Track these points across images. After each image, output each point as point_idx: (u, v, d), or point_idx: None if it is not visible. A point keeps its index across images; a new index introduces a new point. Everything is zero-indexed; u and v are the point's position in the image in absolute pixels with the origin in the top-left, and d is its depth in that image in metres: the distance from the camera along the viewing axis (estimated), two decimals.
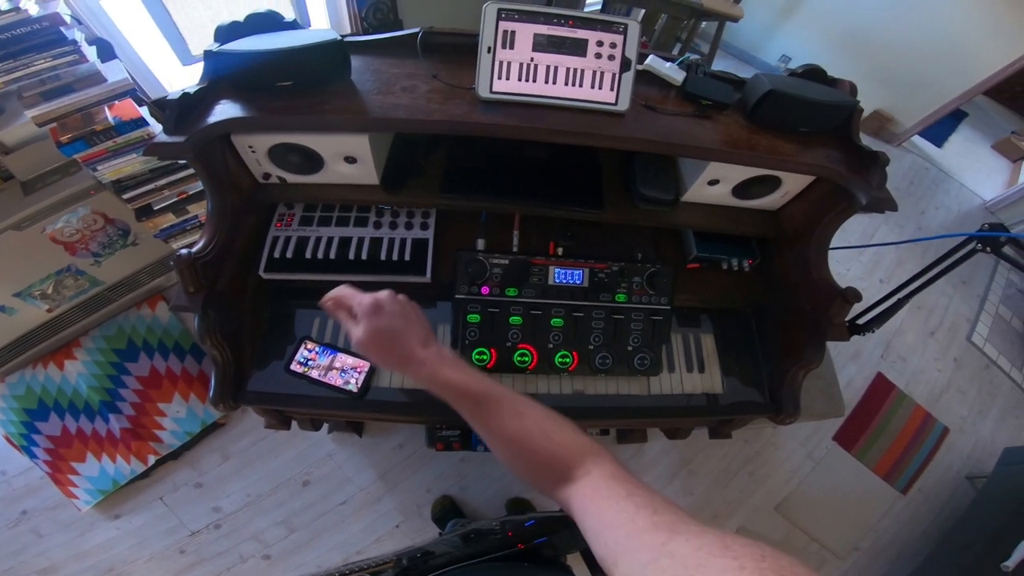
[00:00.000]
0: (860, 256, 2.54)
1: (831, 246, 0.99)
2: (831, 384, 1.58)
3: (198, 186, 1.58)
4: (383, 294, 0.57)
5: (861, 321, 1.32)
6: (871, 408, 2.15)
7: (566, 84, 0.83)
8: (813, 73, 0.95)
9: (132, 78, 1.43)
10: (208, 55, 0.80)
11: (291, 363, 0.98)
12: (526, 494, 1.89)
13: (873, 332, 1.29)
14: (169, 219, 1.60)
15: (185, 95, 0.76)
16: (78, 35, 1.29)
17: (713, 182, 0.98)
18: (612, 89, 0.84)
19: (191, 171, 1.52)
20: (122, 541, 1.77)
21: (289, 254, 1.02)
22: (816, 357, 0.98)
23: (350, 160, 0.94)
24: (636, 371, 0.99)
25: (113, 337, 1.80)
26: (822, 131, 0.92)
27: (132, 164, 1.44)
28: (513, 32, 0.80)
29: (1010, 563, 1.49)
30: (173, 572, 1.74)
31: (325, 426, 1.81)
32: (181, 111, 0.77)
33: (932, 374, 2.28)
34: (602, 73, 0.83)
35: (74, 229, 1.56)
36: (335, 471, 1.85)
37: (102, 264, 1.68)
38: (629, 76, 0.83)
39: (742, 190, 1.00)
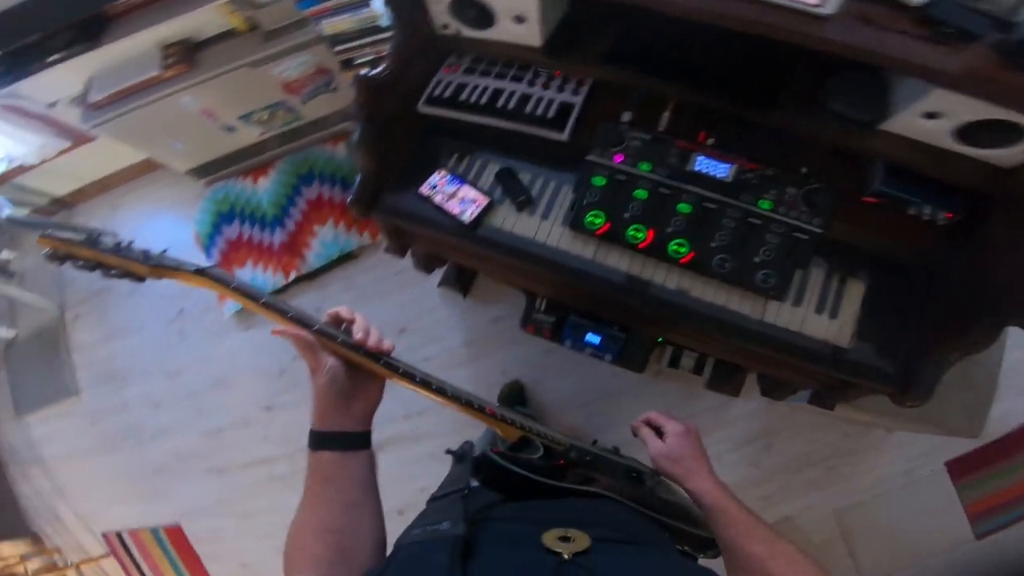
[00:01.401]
0: None
1: None
2: (983, 403, 1.26)
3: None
4: (690, 424, 0.67)
5: None
6: (1009, 448, 1.70)
7: None
8: None
9: None
10: None
11: (422, 186, 1.08)
12: (605, 405, 1.85)
13: None
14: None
15: None
16: None
17: (932, 115, 0.79)
18: None
19: (387, 35, 1.72)
20: (242, 353, 2.15)
21: (447, 95, 1.10)
22: (984, 340, 0.78)
23: (519, 19, 0.96)
24: (756, 287, 0.88)
25: (300, 163, 2.18)
26: None
27: (346, 22, 1.68)
28: None
29: None
30: (265, 393, 2.07)
31: (435, 279, 1.95)
32: None
33: None
34: None
35: (294, 74, 1.89)
36: (431, 326, 2.00)
37: (306, 104, 2.03)
38: None
39: (968, 133, 0.79)
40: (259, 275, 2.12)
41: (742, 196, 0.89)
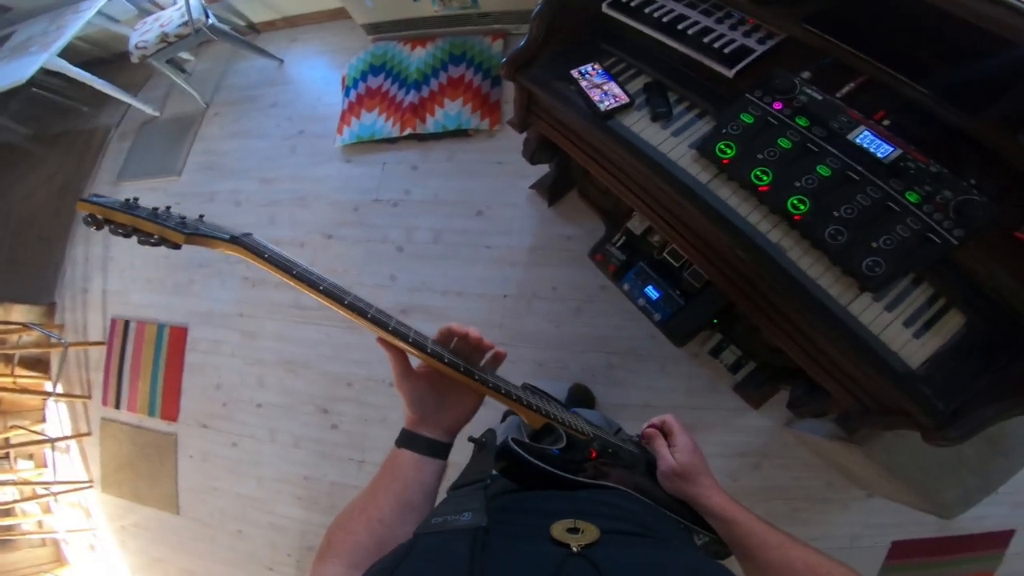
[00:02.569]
0: None
1: None
2: (981, 492, 1.18)
3: None
4: (694, 442, 0.65)
5: None
6: (958, 548, 1.61)
7: None
8: None
9: None
10: None
11: (573, 69, 1.11)
12: (625, 366, 1.83)
13: None
14: None
15: None
16: None
17: None
18: None
19: None
20: (331, 180, 2.28)
21: (635, 3, 1.13)
22: None
23: None
24: (857, 271, 0.83)
25: (457, 45, 2.33)
26: None
27: None
28: None
29: None
30: (334, 222, 2.20)
31: (530, 180, 1.99)
32: None
33: None
34: None
35: None
36: (506, 220, 2.03)
37: None
38: None
39: None
40: (379, 123, 2.27)
41: (892, 181, 0.84)
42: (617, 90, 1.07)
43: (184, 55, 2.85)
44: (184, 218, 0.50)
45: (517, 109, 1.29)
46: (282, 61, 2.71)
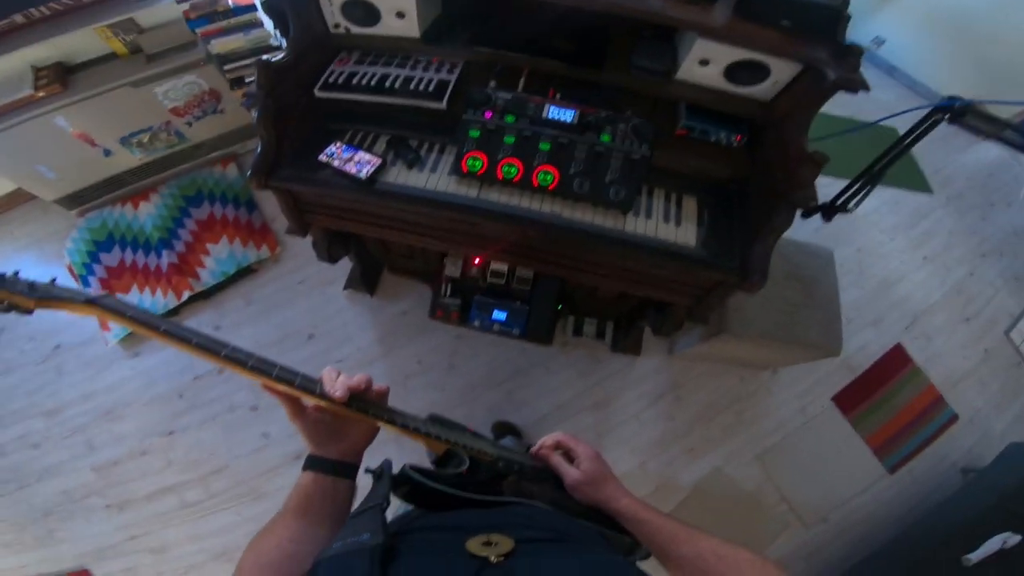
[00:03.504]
0: (908, 232, 2.46)
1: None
2: (832, 319, 1.55)
3: None
4: (594, 450, 0.69)
5: (839, 202, 1.35)
6: (880, 377, 2.01)
7: None
8: None
9: None
10: None
11: (319, 154, 1.17)
12: (518, 382, 1.92)
13: (849, 212, 1.32)
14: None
15: None
16: None
17: (704, 62, 1.10)
18: None
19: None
20: (131, 381, 1.98)
21: (341, 81, 1.24)
22: (785, 221, 1.03)
23: (400, 15, 1.17)
24: (610, 202, 1.09)
25: (186, 186, 2.13)
26: (807, 29, 1.01)
27: (238, 42, 1.78)
28: None
29: (973, 556, 1.35)
30: (165, 416, 1.91)
31: (340, 284, 1.98)
32: None
33: (955, 359, 2.12)
34: None
35: (181, 95, 1.91)
36: (340, 328, 2.00)
37: (192, 126, 2.02)
38: None
39: (733, 73, 1.10)
40: (147, 298, 1.99)
41: (587, 134, 1.11)
42: (367, 156, 1.17)
43: None
44: (33, 282, 0.49)
45: (289, 215, 1.30)
46: None
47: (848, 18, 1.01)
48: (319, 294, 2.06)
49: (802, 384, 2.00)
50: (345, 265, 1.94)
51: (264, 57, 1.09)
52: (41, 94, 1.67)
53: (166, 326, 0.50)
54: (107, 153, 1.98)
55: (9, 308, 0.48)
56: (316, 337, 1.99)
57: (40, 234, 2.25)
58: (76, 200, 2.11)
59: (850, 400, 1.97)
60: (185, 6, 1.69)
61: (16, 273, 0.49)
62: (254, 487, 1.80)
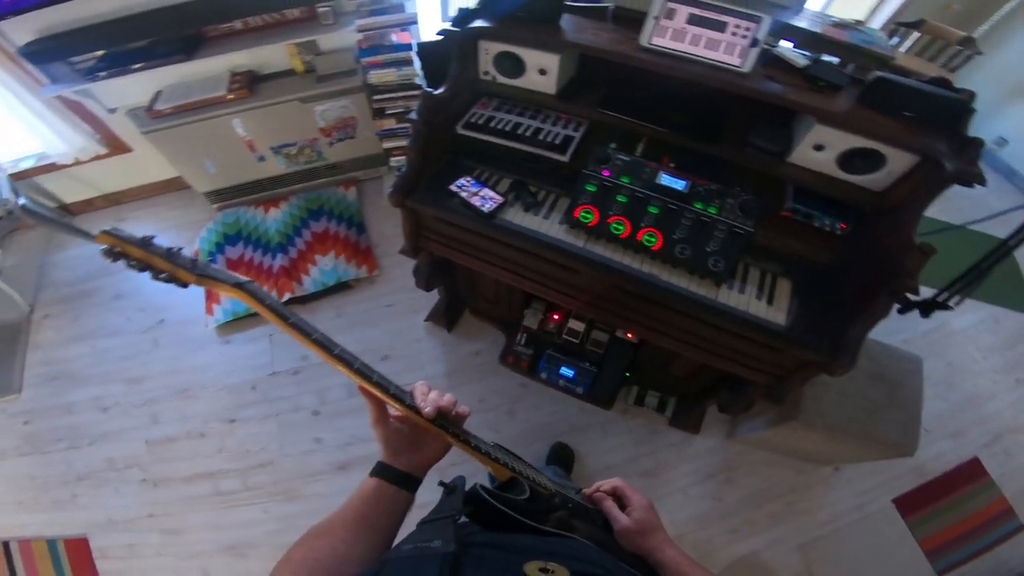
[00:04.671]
0: (1006, 352, 2.29)
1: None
2: (911, 421, 1.47)
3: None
4: (648, 500, 0.70)
5: (940, 298, 1.31)
6: (949, 486, 1.87)
7: (705, 48, 1.15)
8: (939, 81, 1.12)
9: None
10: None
11: (451, 184, 1.35)
12: (573, 439, 1.96)
13: (950, 308, 1.27)
14: (391, 123, 2.21)
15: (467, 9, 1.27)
16: None
17: (818, 147, 1.16)
18: (739, 56, 1.13)
19: (416, 92, 2.11)
20: (215, 366, 2.18)
21: (480, 122, 1.43)
22: (883, 309, 1.04)
23: (542, 72, 1.35)
24: (709, 271, 1.15)
25: (312, 200, 2.43)
26: (928, 121, 1.06)
27: (390, 75, 2.08)
28: (674, 9, 1.15)
29: None
30: (233, 404, 2.08)
31: (423, 314, 2.13)
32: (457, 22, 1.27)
33: None
34: (734, 45, 1.13)
35: (332, 115, 2.23)
36: (414, 355, 2.14)
37: (333, 146, 2.33)
38: (755, 50, 1.11)
39: (847, 161, 1.15)
40: None
41: (695, 203, 1.20)
42: (491, 193, 1.33)
43: None
44: (195, 259, 0.54)
45: (407, 236, 1.47)
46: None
47: (972, 111, 1.04)
48: (402, 320, 2.22)
49: (864, 483, 1.90)
50: (430, 299, 2.09)
51: (428, 89, 1.29)
52: (231, 96, 2.03)
53: (295, 319, 0.54)
54: (260, 159, 2.32)
55: (170, 279, 0.52)
56: (391, 358, 2.14)
57: (180, 219, 2.63)
58: (220, 195, 2.47)
59: (912, 504, 1.86)
60: (361, 36, 2.00)
61: (180, 249, 0.53)
62: (291, 488, 1.90)
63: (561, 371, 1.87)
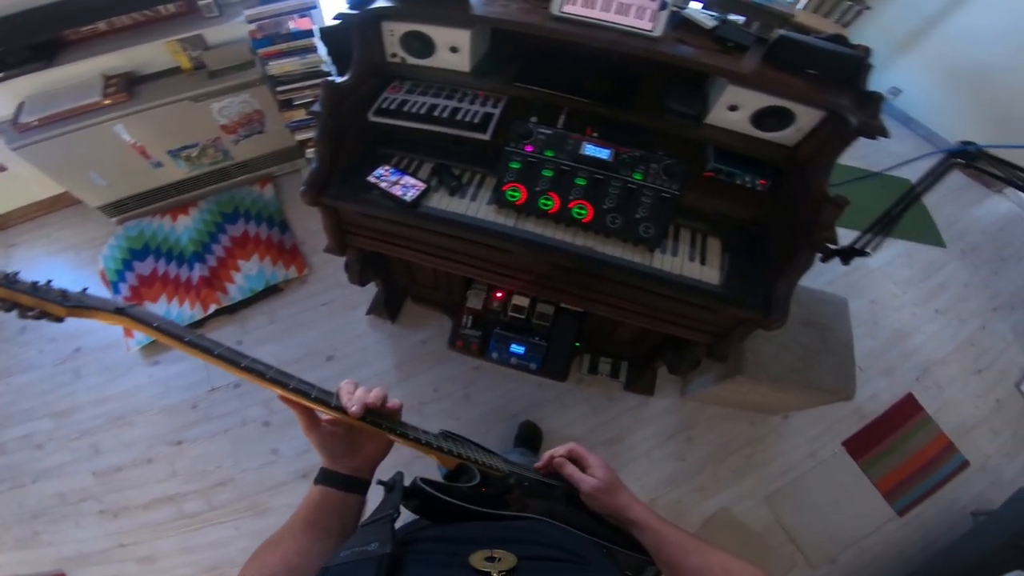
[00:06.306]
0: (921, 285, 2.51)
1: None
2: (846, 364, 1.57)
3: None
4: (605, 461, 0.69)
5: (858, 245, 1.40)
6: (891, 424, 2.03)
7: (616, 13, 1.12)
8: (836, 37, 1.16)
9: None
10: None
11: (368, 175, 1.26)
12: (533, 415, 1.95)
13: (868, 255, 1.36)
14: (300, 114, 2.05)
15: None
16: None
17: (732, 108, 1.18)
18: (650, 20, 1.11)
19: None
20: (147, 389, 2.02)
21: (393, 107, 1.34)
22: (806, 261, 1.09)
23: (453, 49, 1.28)
24: (641, 238, 1.15)
25: (225, 203, 2.22)
26: (831, 77, 1.10)
27: (293, 64, 1.91)
28: None
29: None
30: (176, 426, 1.94)
31: (363, 309, 2.03)
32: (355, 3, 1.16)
33: (967, 408, 2.13)
34: (644, 9, 1.11)
35: (233, 112, 2.03)
36: (359, 352, 2.05)
37: (238, 144, 2.14)
38: (664, 13, 1.10)
39: (760, 120, 1.18)
40: (174, 309, 2.06)
41: (621, 171, 1.19)
42: (412, 181, 1.25)
43: None
44: (65, 290, 0.50)
45: (330, 233, 1.37)
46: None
47: (871, 67, 1.09)
48: (341, 317, 2.11)
49: (812, 430, 2.03)
50: (368, 292, 2.00)
51: (330, 77, 1.19)
52: (108, 101, 1.79)
53: (190, 337, 0.51)
54: (157, 165, 2.09)
55: (41, 316, 0.48)
56: (335, 359, 2.04)
57: (77, 239, 2.35)
58: (118, 208, 2.21)
59: (860, 445, 1.99)
60: (253, 26, 1.82)
61: (49, 282, 0.49)
62: (257, 502, 1.81)
63: (512, 348, 1.85)
